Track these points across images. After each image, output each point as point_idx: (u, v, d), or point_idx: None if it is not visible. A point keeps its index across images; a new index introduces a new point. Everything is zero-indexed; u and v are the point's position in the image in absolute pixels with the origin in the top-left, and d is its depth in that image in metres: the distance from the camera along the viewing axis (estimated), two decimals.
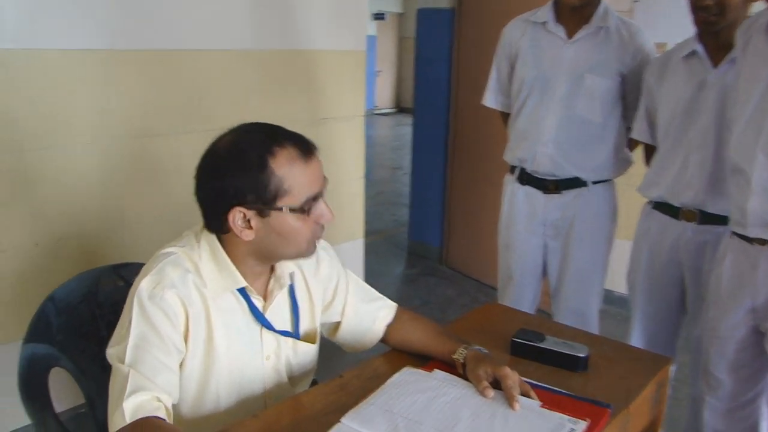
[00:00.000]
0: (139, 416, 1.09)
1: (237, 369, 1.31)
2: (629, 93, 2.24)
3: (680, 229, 2.02)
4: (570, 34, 2.23)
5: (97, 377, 1.41)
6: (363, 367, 1.44)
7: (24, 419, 1.60)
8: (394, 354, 1.52)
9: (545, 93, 2.25)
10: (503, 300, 2.53)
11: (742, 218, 1.67)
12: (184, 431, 1.26)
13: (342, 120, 3.42)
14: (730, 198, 1.76)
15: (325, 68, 3.24)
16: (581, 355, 1.44)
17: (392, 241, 5.36)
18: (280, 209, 1.21)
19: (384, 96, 15.51)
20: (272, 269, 1.36)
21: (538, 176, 2.33)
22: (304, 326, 1.44)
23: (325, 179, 1.28)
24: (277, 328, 1.35)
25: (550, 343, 1.48)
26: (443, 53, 4.30)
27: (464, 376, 1.33)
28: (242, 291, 1.30)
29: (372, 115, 14.93)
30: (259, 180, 1.19)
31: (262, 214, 1.22)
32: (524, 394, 1.25)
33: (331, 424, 1.17)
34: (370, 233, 5.51)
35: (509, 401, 1.21)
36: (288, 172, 1.20)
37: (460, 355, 1.36)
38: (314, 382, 1.56)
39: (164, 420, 1.10)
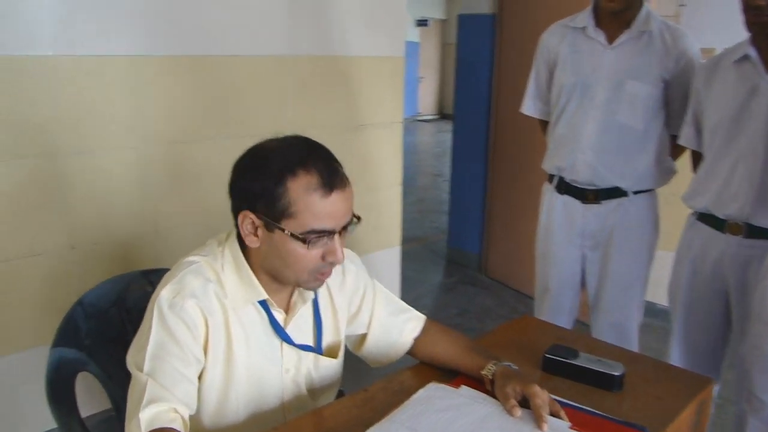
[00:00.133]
0: (155, 427, 1.07)
1: (255, 380, 1.29)
2: (673, 99, 2.17)
3: (725, 243, 1.93)
4: (610, 39, 2.17)
5: (123, 382, 1.41)
6: (389, 380, 1.41)
7: (51, 423, 1.61)
8: (422, 367, 1.48)
9: (584, 99, 2.19)
10: (540, 312, 2.47)
11: None
12: None
13: (380, 127, 3.40)
14: None
15: (363, 74, 3.22)
16: (616, 373, 1.38)
17: (431, 249, 5.31)
18: (283, 230, 1.18)
19: (427, 102, 15.49)
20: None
21: (577, 185, 2.26)
22: (327, 340, 1.41)
23: (352, 218, 1.23)
24: (298, 342, 1.33)
25: (584, 360, 1.42)
26: (484, 59, 4.25)
27: (492, 394, 1.28)
28: (263, 303, 1.28)
29: (414, 122, 14.92)
30: (272, 193, 1.16)
31: (268, 227, 1.20)
32: (554, 414, 1.20)
33: None
34: (409, 240, 5.48)
35: (537, 421, 1.16)
36: (300, 197, 1.16)
37: (488, 371, 1.32)
38: (341, 393, 1.53)
39: None
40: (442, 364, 1.44)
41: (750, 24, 1.81)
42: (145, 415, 1.08)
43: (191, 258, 1.27)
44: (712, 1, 3.31)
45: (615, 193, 2.22)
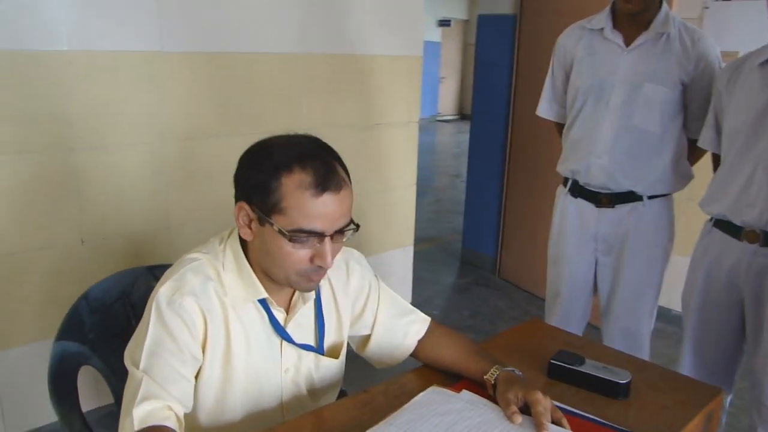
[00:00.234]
0: (149, 424, 1.06)
1: (254, 380, 1.27)
2: (691, 102, 2.12)
3: (741, 251, 1.88)
4: (628, 41, 2.13)
5: (126, 377, 1.41)
6: (390, 383, 1.39)
7: (53, 416, 1.61)
8: (425, 371, 1.46)
9: (600, 102, 2.16)
10: (550, 317, 2.44)
11: None
12: None
13: (395, 126, 3.38)
14: None
15: (379, 73, 3.21)
16: (622, 381, 1.35)
17: (446, 249, 5.29)
18: (272, 225, 1.16)
19: (447, 103, 15.46)
20: None
21: (591, 189, 2.23)
22: (329, 340, 1.39)
23: (350, 224, 1.21)
24: (299, 342, 1.32)
25: (590, 367, 1.39)
26: (504, 60, 4.21)
27: (494, 399, 1.26)
28: (263, 302, 1.27)
29: (434, 122, 14.90)
30: (267, 186, 1.15)
31: (260, 221, 1.18)
32: (555, 422, 1.17)
33: None
34: (424, 240, 5.47)
35: (537, 429, 1.14)
36: (291, 194, 1.14)
37: (491, 376, 1.30)
38: (344, 394, 1.52)
39: (173, 430, 1.08)
40: (446, 368, 1.42)
41: None
42: (139, 411, 1.07)
43: (192, 255, 1.26)
44: (735, 4, 3.25)
45: (629, 197, 2.18)
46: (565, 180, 2.33)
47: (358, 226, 1.23)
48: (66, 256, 2.31)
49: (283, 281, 1.22)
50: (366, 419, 1.22)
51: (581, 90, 2.20)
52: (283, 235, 1.14)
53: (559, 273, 2.37)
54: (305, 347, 1.34)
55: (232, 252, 1.26)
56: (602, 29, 2.16)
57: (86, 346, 1.60)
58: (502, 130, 4.31)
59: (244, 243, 1.26)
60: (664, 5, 2.12)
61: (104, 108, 2.31)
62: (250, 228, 1.21)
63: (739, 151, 1.87)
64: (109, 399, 1.53)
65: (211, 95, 2.57)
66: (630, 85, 2.11)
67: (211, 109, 2.58)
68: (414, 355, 1.48)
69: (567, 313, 2.38)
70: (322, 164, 1.16)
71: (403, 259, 3.68)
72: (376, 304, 1.46)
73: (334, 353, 1.41)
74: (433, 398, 1.26)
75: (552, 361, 1.43)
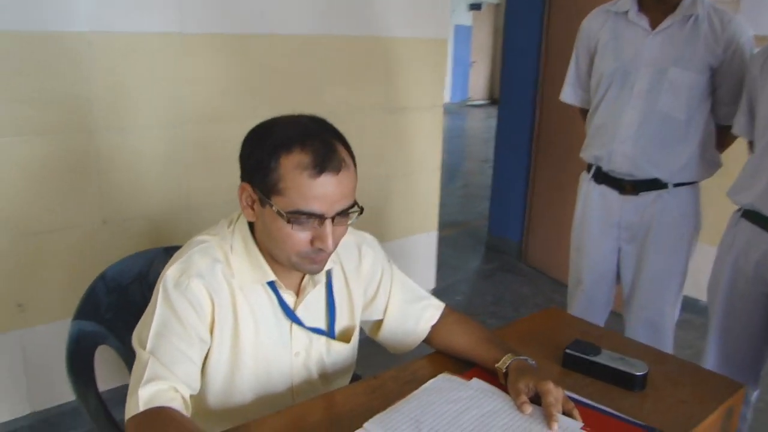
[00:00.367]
0: (153, 405, 1.06)
1: (263, 363, 1.27)
2: (720, 87, 2.05)
3: None
4: (654, 24, 2.06)
5: None
6: (401, 368, 1.38)
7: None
8: (438, 357, 1.44)
9: (624, 87, 2.10)
10: (572, 305, 2.40)
11: None
12: (211, 422, 1.25)
13: (420, 110, 3.35)
14: None
15: (404, 56, 3.17)
16: (638, 373, 1.32)
17: (472, 235, 5.25)
18: (271, 206, 1.14)
19: (478, 87, 15.34)
20: None
21: (615, 175, 2.18)
22: (340, 324, 1.38)
23: (353, 206, 1.19)
24: (309, 325, 1.31)
25: (605, 358, 1.36)
26: (532, 44, 4.14)
27: (505, 388, 1.24)
28: (272, 285, 1.26)
29: (465, 106, 14.80)
30: (266, 166, 1.14)
31: (261, 202, 1.17)
32: (566, 413, 1.15)
33: (355, 427, 1.11)
34: (451, 225, 5.44)
35: (547, 420, 1.11)
36: (289, 174, 1.12)
37: (503, 364, 1.27)
38: (358, 378, 1.51)
39: (178, 411, 1.08)
40: (458, 355, 1.40)
41: None
42: (144, 392, 1.07)
43: (201, 237, 1.26)
44: None
45: (654, 184, 2.13)
46: (589, 166, 2.28)
47: (362, 209, 1.20)
48: (87, 237, 2.33)
49: (285, 263, 1.21)
50: (375, 405, 1.20)
51: (605, 75, 2.14)
52: (282, 216, 1.13)
53: (582, 261, 2.33)
54: (316, 331, 1.33)
55: (241, 234, 1.25)
56: (627, 12, 2.10)
57: (103, 325, 1.61)
58: (529, 116, 4.25)
59: (252, 225, 1.25)
60: None
61: (124, 90, 2.32)
62: (252, 209, 1.20)
63: None
64: (127, 379, 1.54)
65: (231, 77, 2.57)
66: (655, 70, 2.05)
67: (230, 92, 2.57)
68: (427, 341, 1.47)
69: (589, 301, 2.34)
70: (322, 144, 1.14)
71: (426, 243, 3.65)
72: (389, 289, 1.45)
73: (345, 337, 1.40)
74: (443, 385, 1.24)
75: (567, 351, 1.40)
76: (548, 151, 4.15)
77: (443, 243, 4.81)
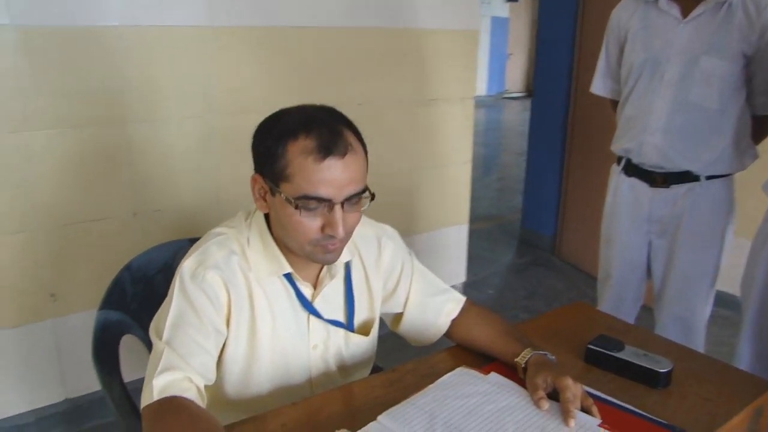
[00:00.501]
0: (167, 394, 1.07)
1: (281, 355, 1.27)
2: (755, 76, 1.98)
3: None
4: (685, 12, 2.00)
5: None
6: (420, 362, 1.37)
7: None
8: (457, 351, 1.43)
9: (654, 77, 2.04)
10: (601, 300, 2.36)
11: None
12: (229, 412, 1.25)
13: (451, 102, 3.32)
14: None
15: (434, 48, 3.14)
16: (662, 370, 1.28)
17: (505, 229, 5.21)
18: (280, 193, 1.14)
19: (514, 79, 15.17)
20: None
21: (645, 168, 2.13)
22: (360, 317, 1.38)
23: (359, 192, 1.17)
24: (327, 318, 1.30)
25: (629, 354, 1.33)
26: (566, 35, 4.07)
27: (524, 383, 1.22)
28: (288, 277, 1.26)
29: (501, 99, 14.66)
30: (273, 153, 1.13)
31: (272, 191, 1.17)
32: (585, 410, 1.13)
33: (370, 420, 1.11)
34: (484, 219, 5.40)
35: (564, 416, 1.09)
36: (295, 160, 1.11)
37: (522, 359, 1.26)
38: (379, 370, 1.50)
39: (192, 401, 1.08)
40: (478, 349, 1.39)
41: None
42: (158, 382, 1.08)
43: (218, 229, 1.26)
44: None
45: (685, 177, 2.07)
46: (619, 159, 2.24)
47: (373, 195, 1.19)
48: (119, 228, 2.37)
49: (299, 252, 1.20)
50: (392, 397, 1.20)
51: (635, 65, 2.09)
52: (290, 203, 1.12)
53: (611, 254, 2.29)
54: (334, 323, 1.32)
55: (257, 227, 1.26)
56: (657, 1, 2.04)
57: (128, 315, 1.63)
58: (563, 108, 4.18)
59: (268, 218, 1.25)
60: None
61: (155, 82, 2.34)
62: (265, 200, 1.20)
63: None
64: None
65: (260, 70, 2.58)
66: (686, 59, 1.99)
67: (260, 84, 2.58)
68: (447, 334, 1.45)
69: (618, 295, 2.30)
70: (328, 130, 1.13)
71: (457, 237, 3.62)
72: (409, 282, 1.44)
73: (364, 330, 1.39)
74: (460, 379, 1.23)
75: (589, 346, 1.38)
76: (583, 144, 4.08)
77: (476, 236, 4.78)
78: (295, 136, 1.12)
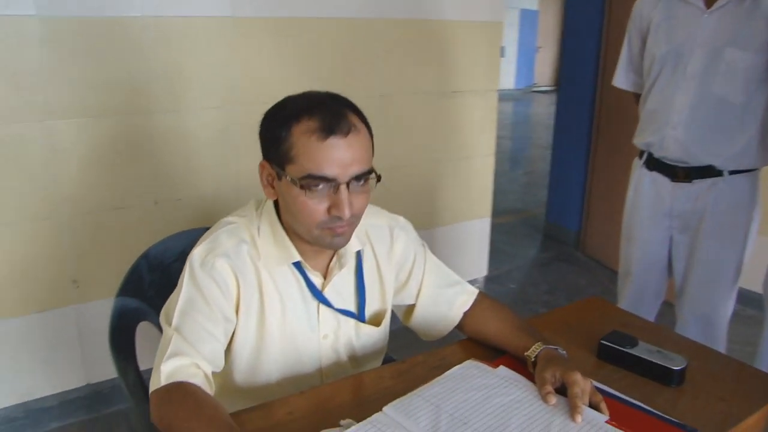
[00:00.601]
0: (175, 379, 1.08)
1: (290, 344, 1.28)
2: None
3: None
4: (709, 3, 1.96)
5: None
6: (430, 354, 1.36)
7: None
8: (468, 344, 1.42)
9: (677, 70, 2.00)
10: (621, 296, 2.33)
11: None
12: (238, 399, 1.26)
13: (474, 94, 3.29)
14: None
15: (458, 39, 3.12)
16: (675, 367, 1.26)
17: (530, 223, 5.17)
18: (286, 176, 1.15)
19: (543, 73, 15.01)
20: None
21: (667, 162, 2.09)
22: (371, 308, 1.38)
23: (365, 173, 1.16)
24: (337, 307, 1.31)
25: (642, 350, 1.31)
26: (593, 27, 4.01)
27: (533, 377, 1.21)
28: (298, 266, 1.26)
29: (530, 92, 14.53)
30: (278, 138, 1.15)
31: (278, 175, 1.17)
32: (593, 406, 1.11)
33: (377, 411, 1.11)
34: (509, 212, 5.37)
35: (571, 411, 1.08)
36: (299, 141, 1.12)
37: (532, 352, 1.25)
38: (391, 361, 1.50)
39: (198, 386, 1.09)
40: (489, 342, 1.38)
41: None
42: (166, 367, 1.09)
43: (229, 218, 1.27)
44: None
45: (708, 171, 2.03)
46: (641, 152, 2.21)
47: (379, 176, 1.19)
48: (140, 216, 2.40)
49: (307, 237, 1.20)
50: (400, 389, 1.19)
51: (657, 57, 2.05)
52: (295, 183, 1.13)
53: (631, 249, 2.26)
54: (344, 312, 1.32)
55: (268, 216, 1.26)
56: None
57: (145, 302, 1.65)
58: (588, 102, 4.13)
59: (278, 206, 1.26)
60: None
61: (177, 73, 2.36)
62: (272, 187, 1.21)
63: None
64: None
65: (283, 61, 2.58)
66: (709, 51, 1.95)
67: (282, 75, 2.59)
68: (459, 327, 1.44)
69: (638, 291, 2.27)
70: (330, 111, 1.13)
71: (479, 230, 3.60)
72: (422, 273, 1.43)
73: (375, 321, 1.39)
74: (468, 372, 1.22)
75: (602, 342, 1.36)
76: (609, 138, 4.03)
77: (500, 230, 4.75)
78: (299, 118, 1.13)
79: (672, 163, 2.08)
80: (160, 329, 1.63)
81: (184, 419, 1.02)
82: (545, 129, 10.25)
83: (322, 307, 1.30)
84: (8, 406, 2.36)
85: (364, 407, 1.13)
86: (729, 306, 2.14)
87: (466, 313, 1.43)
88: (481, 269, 3.69)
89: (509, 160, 8.19)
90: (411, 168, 3.15)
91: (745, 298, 2.20)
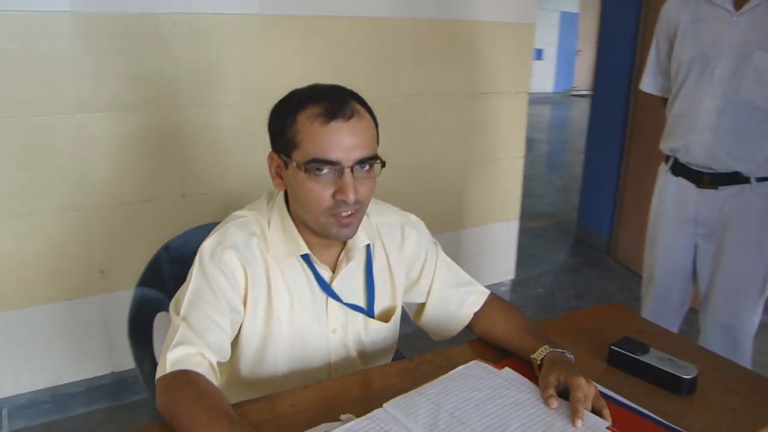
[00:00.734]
0: (179, 368, 1.10)
1: (298, 337, 1.29)
2: None
3: None
4: (738, 5, 1.92)
5: None
6: (438, 353, 1.36)
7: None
8: (477, 344, 1.42)
9: (704, 74, 1.97)
10: (644, 303, 2.30)
11: None
12: (245, 391, 1.28)
13: (504, 96, 3.28)
14: None
15: (488, 40, 3.11)
16: (686, 376, 1.24)
17: (561, 227, 5.12)
18: (292, 163, 1.17)
19: (583, 77, 14.80)
20: (345, 242, 1.32)
21: (692, 168, 2.05)
22: (380, 304, 1.38)
23: (368, 158, 1.17)
24: (346, 302, 1.31)
25: (653, 358, 1.29)
26: (629, 31, 3.95)
27: (537, 380, 1.20)
28: (306, 258, 1.27)
29: (569, 96, 14.37)
30: (284, 126, 1.18)
31: (285, 164, 1.19)
32: (596, 411, 1.10)
33: (379, 407, 1.11)
34: (541, 216, 5.33)
35: (572, 415, 1.07)
36: (303, 126, 1.15)
37: (539, 355, 1.24)
38: (401, 356, 1.50)
39: (202, 375, 1.11)
40: (498, 343, 1.37)
41: None
42: (172, 355, 1.11)
43: (240, 212, 1.30)
44: None
45: (734, 178, 1.99)
46: (667, 157, 2.17)
47: (383, 162, 1.20)
48: (168, 209, 2.45)
49: (315, 226, 1.21)
50: (405, 386, 1.20)
51: (684, 61, 2.01)
52: (300, 169, 1.15)
53: (655, 256, 2.22)
54: (353, 307, 1.33)
55: (278, 208, 1.28)
56: None
57: (164, 293, 1.69)
58: (623, 106, 4.08)
59: (288, 199, 1.27)
60: None
61: (205, 68, 2.40)
62: (281, 178, 1.23)
63: None
64: None
65: (310, 58, 2.60)
66: (738, 54, 1.91)
67: (309, 72, 2.60)
68: (469, 327, 1.44)
69: (662, 299, 2.23)
70: (334, 99, 1.16)
71: (507, 233, 3.58)
72: (433, 272, 1.43)
73: (385, 318, 1.39)
74: (472, 372, 1.22)
75: (612, 347, 1.34)
76: (642, 144, 3.96)
77: (531, 234, 4.72)
78: (304, 106, 1.16)
79: (698, 169, 2.05)
80: None
81: (185, 406, 1.03)
82: (582, 133, 10.06)
83: (331, 300, 1.31)
84: (37, 390, 2.43)
85: (367, 403, 1.13)
86: (755, 317, 2.09)
87: (476, 314, 1.43)
88: (508, 272, 3.67)
89: (545, 164, 8.12)
90: (439, 168, 3.15)
91: None
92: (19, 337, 2.34)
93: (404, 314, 1.49)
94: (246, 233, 1.24)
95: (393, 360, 1.48)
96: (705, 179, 2.04)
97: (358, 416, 1.08)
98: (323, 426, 1.06)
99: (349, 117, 1.15)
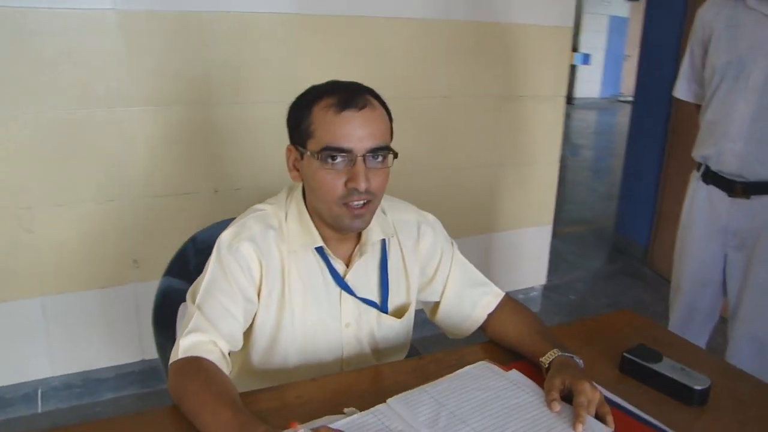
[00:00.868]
0: (191, 354, 1.13)
1: (311, 329, 1.31)
2: None
3: None
4: None
5: None
6: (448, 352, 1.37)
7: None
8: (489, 346, 1.42)
9: (739, 80, 1.93)
10: (672, 313, 2.26)
11: None
12: (256, 381, 1.31)
13: (540, 99, 3.25)
14: None
15: (524, 43, 3.09)
16: (698, 387, 1.22)
17: (599, 234, 5.05)
18: (307, 152, 1.20)
19: (631, 82, 14.54)
20: (359, 237, 1.34)
21: (724, 176, 2.01)
22: (394, 301, 1.39)
23: (381, 147, 1.20)
24: (360, 296, 1.33)
25: (665, 367, 1.28)
26: (672, 37, 3.88)
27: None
28: (321, 251, 1.29)
29: (615, 102, 14.14)
30: (300, 117, 1.22)
31: (301, 155, 1.23)
32: (599, 418, 1.09)
33: (382, 402, 1.13)
34: (579, 222, 5.27)
35: (574, 420, 1.07)
36: (317, 116, 1.19)
37: (547, 358, 1.24)
38: (416, 353, 1.51)
39: (213, 363, 1.14)
40: (508, 345, 1.37)
41: None
42: (185, 341, 1.15)
43: (259, 206, 1.33)
44: None
45: (767, 187, 1.94)
46: (698, 165, 2.13)
47: (396, 153, 1.23)
48: (200, 203, 2.50)
49: (328, 217, 1.24)
50: (412, 383, 1.20)
51: (718, 67, 1.98)
52: (314, 157, 1.19)
53: (683, 265, 2.19)
54: (366, 301, 1.35)
55: (296, 202, 1.31)
56: None
57: (189, 284, 1.72)
58: (663, 114, 4.01)
59: (305, 193, 1.30)
60: None
61: (241, 66, 2.45)
62: (297, 170, 1.26)
63: None
64: None
65: (345, 58, 2.63)
66: None
67: (343, 71, 2.58)
68: (483, 328, 1.45)
69: (689, 308, 2.19)
70: (349, 91, 1.21)
71: (540, 237, 3.55)
72: (448, 272, 1.44)
73: (398, 314, 1.41)
74: (479, 373, 1.23)
75: (625, 354, 1.33)
76: (682, 152, 3.87)
77: (567, 239, 4.67)
78: (320, 98, 1.21)
79: (729, 178, 2.01)
80: None
81: (193, 392, 1.06)
82: (625, 139, 9.97)
83: (344, 294, 1.33)
84: (69, 374, 2.51)
85: (373, 398, 1.15)
86: None
87: (490, 315, 1.43)
88: (540, 277, 3.64)
89: (588, 170, 8.02)
90: (472, 171, 3.14)
91: None
92: (55, 321, 2.42)
93: (425, 316, 1.51)
94: (263, 226, 1.27)
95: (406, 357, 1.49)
96: (737, 188, 2.00)
97: (361, 411, 1.09)
98: (326, 418, 1.08)
99: (362, 107, 1.19)
